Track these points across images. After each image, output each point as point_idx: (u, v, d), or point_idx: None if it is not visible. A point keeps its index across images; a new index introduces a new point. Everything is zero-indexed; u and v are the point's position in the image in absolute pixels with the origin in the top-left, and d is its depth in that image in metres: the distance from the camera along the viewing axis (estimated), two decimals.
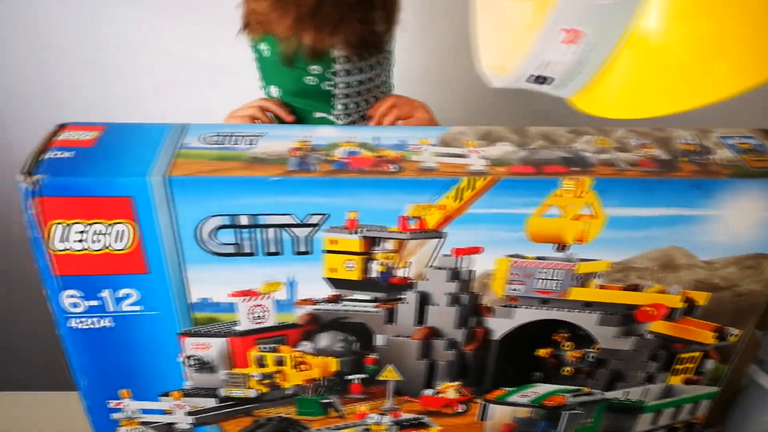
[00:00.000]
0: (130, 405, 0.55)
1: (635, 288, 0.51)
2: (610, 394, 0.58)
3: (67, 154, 0.45)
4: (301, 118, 0.81)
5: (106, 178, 0.43)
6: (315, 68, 0.74)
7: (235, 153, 0.46)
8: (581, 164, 0.47)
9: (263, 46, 0.77)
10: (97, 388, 0.54)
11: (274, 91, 0.81)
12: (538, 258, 0.49)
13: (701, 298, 0.52)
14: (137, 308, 0.49)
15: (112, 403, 0.55)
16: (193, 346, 0.52)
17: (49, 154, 0.45)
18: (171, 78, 1.13)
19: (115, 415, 0.56)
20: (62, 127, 0.48)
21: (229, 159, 0.46)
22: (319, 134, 0.49)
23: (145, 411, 0.56)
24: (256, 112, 0.80)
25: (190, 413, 0.56)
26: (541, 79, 0.35)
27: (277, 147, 0.47)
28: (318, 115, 0.79)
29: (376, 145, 0.48)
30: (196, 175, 0.44)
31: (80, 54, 1.13)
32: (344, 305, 0.51)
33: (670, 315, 0.53)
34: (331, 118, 0.80)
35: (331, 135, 0.49)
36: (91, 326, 0.50)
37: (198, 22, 1.04)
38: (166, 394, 0.55)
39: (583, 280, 0.51)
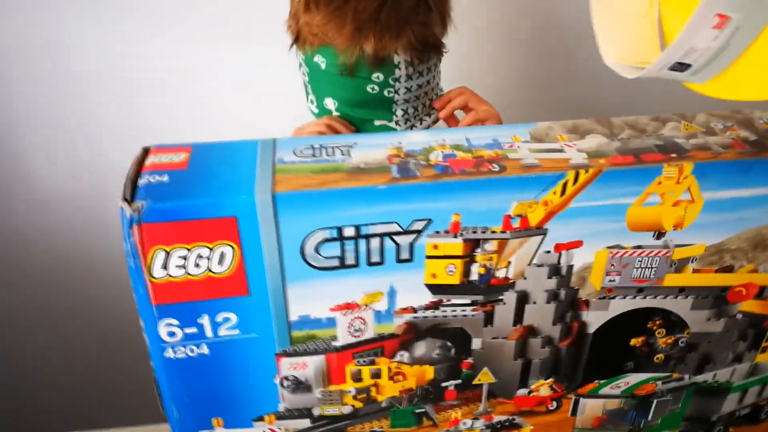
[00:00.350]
0: None
1: (729, 269, 0.52)
2: (698, 378, 0.58)
3: (163, 178, 0.44)
4: (359, 129, 0.80)
5: (211, 200, 0.42)
6: (377, 76, 0.74)
7: (334, 165, 0.45)
8: (677, 150, 0.47)
9: (319, 59, 0.76)
10: (190, 420, 0.53)
11: (330, 103, 0.80)
12: (636, 247, 0.49)
13: None
14: (235, 332, 0.48)
15: None
16: (289, 366, 0.51)
17: (144, 179, 0.43)
18: (195, 94, 1.12)
19: None
20: (147, 150, 0.47)
21: (330, 171, 0.45)
22: (409, 140, 0.49)
23: None
24: (324, 129, 0.79)
25: None
26: (682, 66, 0.36)
27: (374, 155, 0.46)
28: (378, 123, 0.79)
29: (470, 146, 0.48)
30: (303, 190, 0.43)
31: (105, 74, 1.12)
32: (443, 311, 0.50)
33: (761, 293, 0.54)
34: (391, 125, 0.79)
35: (421, 139, 0.49)
36: (187, 355, 0.48)
37: (225, 38, 1.03)
38: (259, 419, 0.54)
39: (679, 266, 0.51)
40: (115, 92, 1.14)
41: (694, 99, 0.50)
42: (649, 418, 0.60)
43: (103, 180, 1.21)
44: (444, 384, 0.55)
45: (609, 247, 0.49)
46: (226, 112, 1.12)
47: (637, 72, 0.38)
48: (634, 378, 0.58)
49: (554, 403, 0.58)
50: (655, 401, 0.59)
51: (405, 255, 0.47)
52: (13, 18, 1.06)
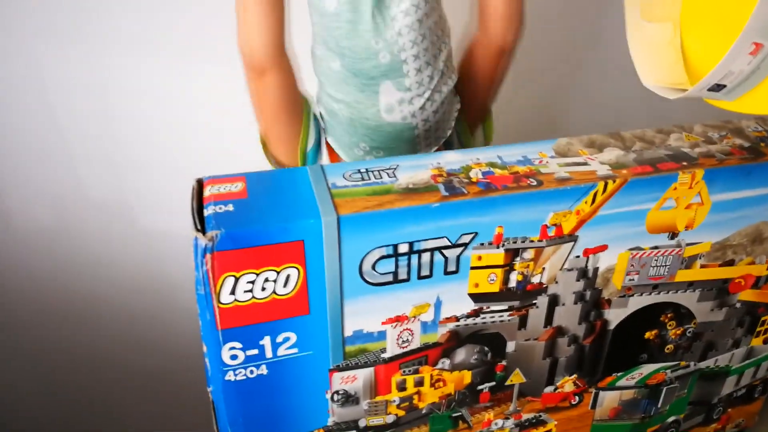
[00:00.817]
0: None
1: (730, 263, 0.58)
2: (702, 364, 0.64)
3: (228, 208, 0.46)
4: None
5: (281, 225, 0.45)
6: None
7: (385, 186, 0.49)
8: (686, 159, 0.53)
9: None
10: None
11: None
12: (653, 248, 0.55)
13: None
14: (293, 351, 0.50)
15: None
16: (341, 381, 0.54)
17: (210, 210, 0.46)
18: (181, 125, 1.13)
19: None
20: (201, 182, 0.49)
21: (383, 193, 0.48)
22: (447, 159, 0.53)
23: None
24: None
25: None
26: (718, 87, 0.41)
27: (419, 176, 0.50)
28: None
29: (503, 163, 0.52)
30: (364, 211, 0.46)
31: (88, 106, 1.11)
32: (483, 318, 0.54)
33: (756, 283, 0.60)
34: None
35: (458, 159, 0.53)
36: (247, 377, 0.50)
37: (203, 67, 1.04)
38: None
39: (689, 263, 0.57)
40: (92, 124, 1.13)
41: (687, 105, 0.56)
42: (659, 405, 0.66)
43: (83, 212, 1.20)
44: (479, 387, 0.59)
45: (630, 249, 0.54)
46: (208, 142, 1.13)
47: (677, 93, 0.43)
48: (647, 369, 0.63)
49: (576, 398, 0.63)
50: (664, 389, 0.65)
51: (452, 267, 0.51)
52: None
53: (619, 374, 0.63)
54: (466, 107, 0.87)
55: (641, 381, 0.64)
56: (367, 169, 0.51)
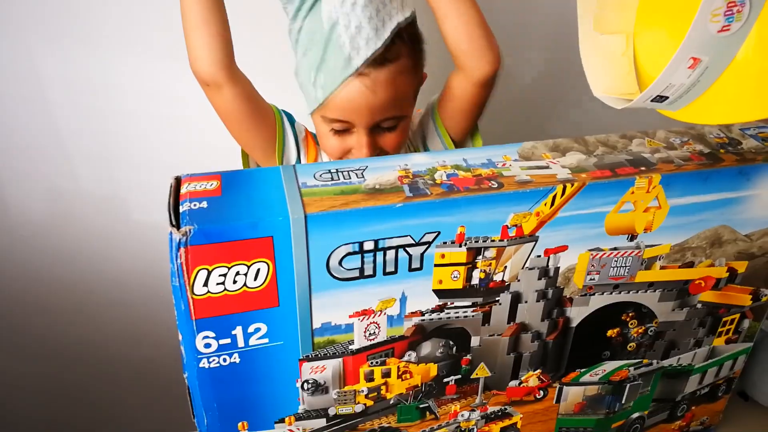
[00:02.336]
0: None
1: (690, 265, 0.62)
2: (665, 362, 0.69)
3: (202, 204, 0.50)
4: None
5: (251, 222, 0.49)
6: None
7: (352, 186, 0.53)
8: (645, 164, 0.57)
9: None
10: (218, 425, 0.59)
11: None
12: (613, 249, 0.59)
13: (741, 266, 0.63)
14: (264, 341, 0.55)
15: None
16: (310, 370, 0.58)
17: (185, 206, 0.50)
18: (175, 122, 1.17)
19: None
20: (179, 180, 0.53)
21: (350, 192, 0.52)
22: (414, 161, 0.57)
23: None
24: None
25: None
26: (660, 99, 0.45)
27: (386, 177, 0.54)
28: None
29: (468, 165, 0.56)
30: (330, 210, 0.50)
31: (84, 101, 1.15)
32: (447, 313, 0.59)
33: (716, 285, 0.64)
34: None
35: (424, 161, 0.57)
36: (220, 364, 0.55)
37: None
38: (280, 421, 0.60)
39: (648, 264, 0.61)
40: (88, 119, 1.18)
41: (655, 115, 0.61)
42: (623, 401, 0.70)
43: (77, 206, 1.25)
44: (445, 380, 0.63)
45: (590, 250, 0.58)
46: (201, 138, 1.17)
47: (623, 103, 0.47)
48: (610, 365, 0.68)
49: (541, 392, 0.67)
50: (628, 386, 0.69)
51: (416, 264, 0.55)
52: None
53: (582, 370, 0.67)
54: (452, 132, 0.94)
55: (605, 377, 0.68)
56: (337, 170, 0.56)
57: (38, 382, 1.45)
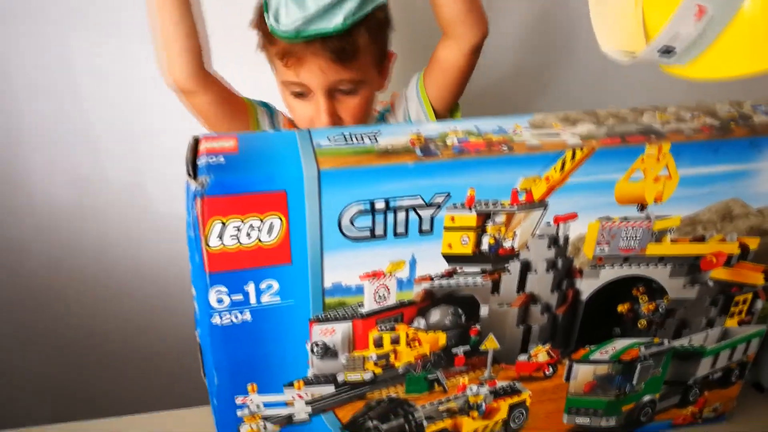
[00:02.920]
0: (254, 399, 0.62)
1: (701, 239, 0.63)
2: (676, 342, 0.69)
3: (220, 159, 0.52)
4: None
5: (265, 175, 0.51)
6: None
7: (365, 148, 0.55)
8: (655, 133, 0.58)
9: None
10: (228, 385, 0.60)
11: None
12: (623, 219, 0.60)
13: (753, 243, 0.64)
14: (276, 299, 0.56)
15: (239, 400, 0.61)
16: (320, 332, 0.59)
17: (203, 160, 0.52)
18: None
19: (240, 412, 0.62)
20: (197, 139, 0.55)
21: (363, 153, 0.54)
22: (425, 128, 0.58)
23: (267, 405, 0.62)
24: None
25: (308, 402, 0.63)
26: (667, 51, 0.46)
27: (398, 140, 0.56)
28: None
29: (479, 132, 0.58)
30: (343, 167, 0.52)
31: (112, 92, 1.19)
32: (456, 279, 0.60)
33: (728, 261, 0.65)
34: None
35: (436, 128, 0.58)
36: (232, 321, 0.56)
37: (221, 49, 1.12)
38: (290, 385, 0.62)
39: (659, 236, 0.62)
40: (114, 110, 1.21)
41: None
42: (634, 382, 0.71)
43: (104, 192, 1.29)
44: (454, 350, 0.64)
45: (600, 219, 0.59)
46: None
47: (630, 57, 0.49)
48: (620, 343, 0.68)
49: (551, 369, 0.68)
50: (639, 366, 0.70)
51: (426, 227, 0.56)
52: (15, 30, 1.14)
53: (592, 347, 0.68)
54: (435, 102, 0.97)
55: (615, 356, 0.68)
56: (351, 133, 0.57)
57: (56, 366, 1.48)
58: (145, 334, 1.45)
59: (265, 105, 1.04)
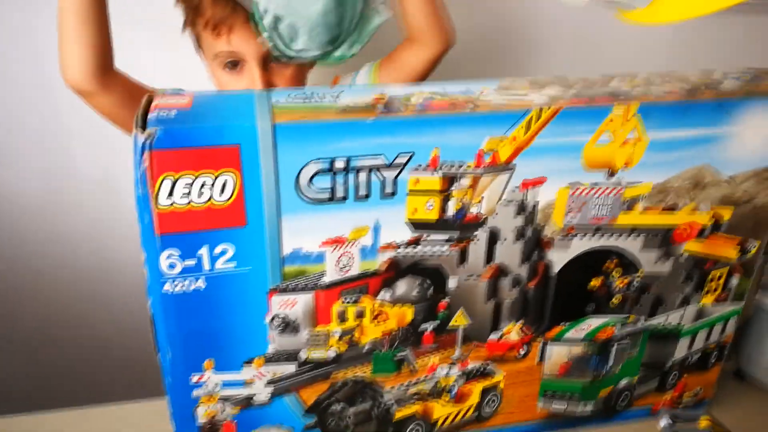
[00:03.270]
0: (212, 378, 0.59)
1: (673, 208, 0.61)
2: (652, 321, 0.67)
3: (171, 113, 0.50)
4: None
5: (218, 126, 0.49)
6: None
7: (325, 104, 0.53)
8: (623, 95, 0.57)
9: None
10: (182, 361, 0.57)
11: None
12: (593, 185, 0.58)
13: (726, 213, 0.63)
14: (231, 265, 0.54)
15: (195, 378, 0.58)
16: (280, 304, 0.57)
17: (154, 114, 0.50)
18: None
19: (196, 392, 0.59)
20: (151, 98, 0.53)
21: (322, 109, 0.52)
22: (391, 88, 0.57)
23: (226, 384, 0.59)
24: None
25: (270, 382, 0.60)
26: None
27: (361, 99, 0.54)
28: None
29: (445, 92, 0.57)
30: (299, 121, 0.50)
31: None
32: (422, 248, 0.58)
33: (701, 233, 0.63)
34: None
35: (402, 89, 0.57)
36: (185, 289, 0.54)
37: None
38: (248, 362, 0.59)
39: (630, 204, 0.60)
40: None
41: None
42: (610, 363, 0.68)
43: (75, 186, 1.26)
44: (422, 326, 0.62)
45: (569, 184, 0.58)
46: None
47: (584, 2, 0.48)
48: (595, 321, 0.66)
49: (524, 348, 0.66)
50: (614, 346, 0.68)
51: (389, 189, 0.54)
52: None
53: (566, 325, 0.66)
54: None
55: (590, 334, 0.66)
56: (312, 93, 0.56)
57: (26, 359, 1.44)
58: (115, 327, 1.42)
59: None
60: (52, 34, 1.05)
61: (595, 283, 0.64)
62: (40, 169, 1.28)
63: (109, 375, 1.43)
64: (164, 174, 0.49)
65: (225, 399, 0.60)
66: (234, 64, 0.92)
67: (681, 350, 0.70)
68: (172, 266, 0.53)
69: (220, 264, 0.54)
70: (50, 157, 1.27)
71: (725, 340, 0.72)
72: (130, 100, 0.92)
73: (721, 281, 0.67)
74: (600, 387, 0.70)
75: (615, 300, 0.65)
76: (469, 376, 0.66)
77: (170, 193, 0.50)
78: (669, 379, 0.72)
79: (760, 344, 0.78)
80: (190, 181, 0.50)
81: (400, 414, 0.65)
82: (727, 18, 1.26)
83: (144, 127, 0.49)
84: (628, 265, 0.64)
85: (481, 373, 0.66)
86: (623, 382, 0.70)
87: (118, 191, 1.30)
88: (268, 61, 0.92)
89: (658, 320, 0.68)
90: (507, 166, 0.56)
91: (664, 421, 0.69)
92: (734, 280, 0.67)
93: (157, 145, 0.48)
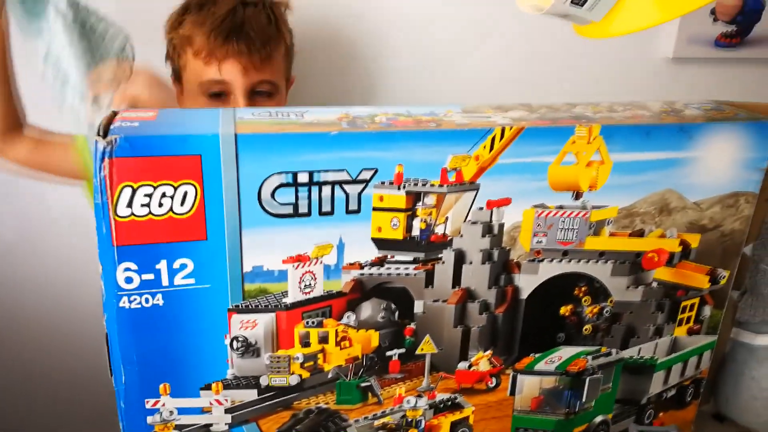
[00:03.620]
0: (167, 403, 0.57)
1: (640, 233, 0.62)
2: (625, 353, 0.66)
3: (134, 124, 0.51)
4: None
5: (179, 135, 0.49)
6: None
7: (290, 120, 0.54)
8: (586, 118, 0.58)
9: None
10: (137, 383, 0.56)
11: None
12: (559, 207, 0.59)
13: (694, 240, 0.63)
14: (190, 281, 0.53)
15: (149, 403, 0.57)
16: (240, 325, 0.56)
17: (117, 124, 0.50)
18: None
19: (150, 419, 0.57)
20: (115, 113, 0.54)
21: (286, 124, 0.53)
22: (356, 110, 0.58)
23: (182, 411, 0.58)
24: None
25: (228, 410, 0.58)
26: (579, 1, 0.47)
27: (326, 117, 0.55)
28: None
29: (409, 114, 0.58)
30: (262, 132, 0.51)
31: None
32: (387, 268, 0.57)
33: (670, 260, 0.63)
34: None
35: (367, 110, 0.58)
36: (142, 305, 0.53)
37: None
38: (207, 387, 0.57)
39: (597, 228, 0.61)
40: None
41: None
42: (584, 398, 0.67)
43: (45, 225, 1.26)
44: (388, 353, 0.61)
45: (535, 206, 0.58)
46: None
47: (542, 10, 0.50)
48: (566, 352, 0.65)
49: (494, 380, 0.64)
50: (587, 379, 0.67)
51: (354, 206, 0.55)
52: None
53: (537, 355, 0.65)
54: None
55: (561, 366, 0.65)
56: (277, 112, 0.57)
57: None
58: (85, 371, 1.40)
59: None
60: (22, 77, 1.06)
61: (566, 310, 0.63)
62: (11, 213, 1.28)
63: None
64: (124, 183, 0.49)
65: (180, 427, 0.58)
66: (218, 94, 0.94)
67: (656, 385, 0.69)
68: (129, 280, 0.52)
69: (178, 279, 0.53)
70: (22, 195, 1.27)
71: (701, 375, 0.71)
72: (32, 157, 0.95)
73: (694, 312, 0.67)
74: (574, 424, 0.68)
75: (585, 330, 0.64)
76: (438, 409, 0.64)
77: (129, 203, 0.50)
78: (645, 416, 0.70)
79: (737, 383, 0.77)
80: (150, 191, 0.50)
81: None
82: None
83: (105, 133, 0.49)
84: (598, 291, 0.63)
85: (450, 406, 0.64)
86: (598, 419, 0.69)
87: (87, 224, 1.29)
88: (253, 94, 0.94)
89: (630, 352, 0.67)
90: (472, 185, 0.56)
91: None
92: (707, 311, 0.67)
93: (117, 153, 0.48)
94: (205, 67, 0.93)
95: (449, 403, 0.64)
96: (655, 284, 0.64)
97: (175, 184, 0.50)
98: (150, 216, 0.50)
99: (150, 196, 0.50)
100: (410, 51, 1.30)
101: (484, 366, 0.64)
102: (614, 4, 0.49)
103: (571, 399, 0.67)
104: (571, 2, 0.49)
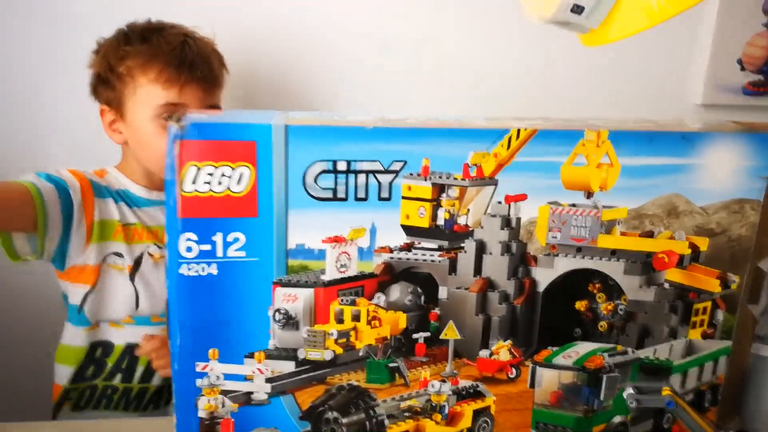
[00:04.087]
0: (216, 368, 0.65)
1: (650, 234, 0.68)
2: (641, 353, 0.71)
3: (202, 117, 0.61)
4: None
5: (239, 123, 0.59)
6: None
7: (333, 119, 0.63)
8: (594, 126, 0.66)
9: None
10: (190, 347, 0.64)
11: None
12: (572, 205, 0.66)
13: (703, 243, 0.69)
14: (242, 254, 0.62)
15: (200, 366, 0.64)
16: (283, 298, 0.64)
17: (189, 115, 0.61)
18: None
19: (199, 382, 0.65)
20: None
21: (330, 119, 0.63)
22: (390, 115, 0.67)
23: (228, 377, 0.65)
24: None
25: (268, 380, 0.65)
26: (578, 9, 0.56)
27: (363, 118, 0.64)
28: None
29: (438, 118, 0.66)
30: (308, 124, 0.61)
31: None
32: (414, 254, 0.65)
33: (681, 262, 0.69)
34: None
35: (401, 114, 0.67)
36: (199, 273, 0.62)
37: None
38: (250, 356, 0.65)
39: (608, 227, 0.67)
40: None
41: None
42: (602, 396, 0.72)
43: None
44: (415, 335, 0.67)
45: (549, 203, 0.65)
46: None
47: (546, 19, 0.58)
48: (583, 348, 0.70)
49: (514, 371, 0.70)
50: (604, 377, 0.71)
51: (385, 194, 0.63)
52: None
53: (555, 349, 0.70)
54: None
55: (579, 361, 0.70)
56: (322, 114, 0.66)
57: None
58: None
59: (54, 180, 1.08)
60: None
61: (581, 306, 0.69)
62: None
63: None
64: (190, 162, 0.59)
65: (226, 392, 0.65)
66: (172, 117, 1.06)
67: (674, 388, 0.73)
68: (189, 249, 0.61)
69: (231, 251, 0.62)
70: None
71: (717, 380, 0.74)
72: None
73: (707, 316, 0.71)
74: (593, 423, 0.72)
75: (601, 327, 0.70)
76: (461, 396, 0.70)
77: (194, 180, 0.59)
78: (664, 420, 0.74)
79: (760, 398, 0.79)
80: (212, 170, 0.59)
81: (393, 430, 0.69)
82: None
83: (178, 122, 0.59)
84: (612, 289, 0.69)
85: (473, 393, 0.70)
86: (617, 420, 0.73)
87: None
88: None
89: (646, 352, 0.71)
90: (491, 180, 0.64)
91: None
92: (719, 315, 0.71)
93: (187, 135, 0.58)
94: (163, 92, 1.07)
95: (471, 390, 0.70)
96: (666, 285, 0.69)
97: (233, 166, 0.60)
98: (210, 193, 0.60)
99: (212, 175, 0.59)
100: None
101: (504, 356, 0.69)
102: (609, 12, 0.58)
103: (590, 396, 0.71)
104: (571, 10, 0.58)
